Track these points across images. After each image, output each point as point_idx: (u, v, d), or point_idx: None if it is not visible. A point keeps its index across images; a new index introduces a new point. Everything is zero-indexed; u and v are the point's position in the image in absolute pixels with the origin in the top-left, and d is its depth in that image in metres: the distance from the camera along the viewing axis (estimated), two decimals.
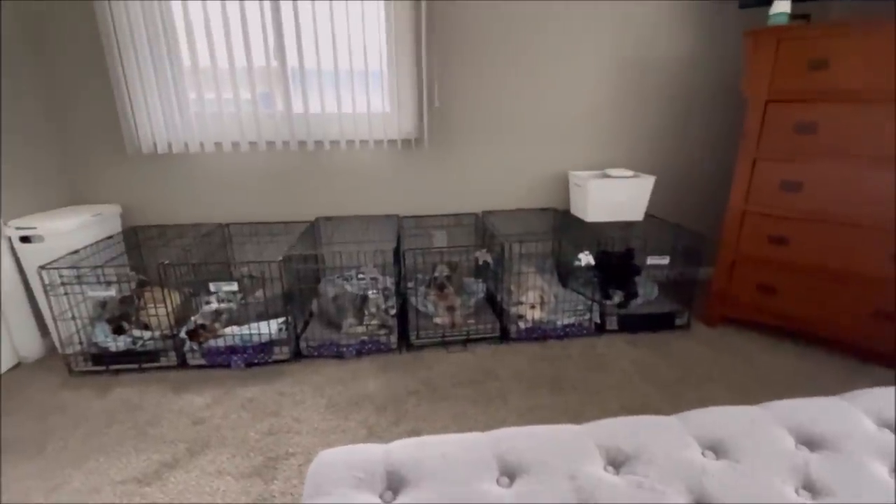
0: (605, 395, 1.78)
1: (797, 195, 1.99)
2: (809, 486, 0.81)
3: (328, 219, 2.54)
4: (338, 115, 2.32)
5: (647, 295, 2.39)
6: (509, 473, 0.82)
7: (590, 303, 2.23)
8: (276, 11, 2.15)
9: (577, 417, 1.65)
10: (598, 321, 2.22)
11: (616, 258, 2.25)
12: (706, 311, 2.33)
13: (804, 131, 1.93)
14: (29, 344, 2.06)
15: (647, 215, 2.42)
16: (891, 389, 1.05)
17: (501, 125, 2.53)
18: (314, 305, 2.28)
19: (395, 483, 0.80)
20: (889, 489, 0.79)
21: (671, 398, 1.76)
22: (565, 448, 0.85)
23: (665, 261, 2.18)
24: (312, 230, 2.47)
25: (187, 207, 2.45)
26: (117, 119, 2.17)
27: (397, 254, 2.19)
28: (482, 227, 2.57)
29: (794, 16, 1.96)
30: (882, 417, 0.96)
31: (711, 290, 2.28)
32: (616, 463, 0.84)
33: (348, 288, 2.22)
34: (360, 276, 2.28)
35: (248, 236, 2.49)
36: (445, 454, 0.84)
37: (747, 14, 2.24)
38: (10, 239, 1.95)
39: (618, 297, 2.28)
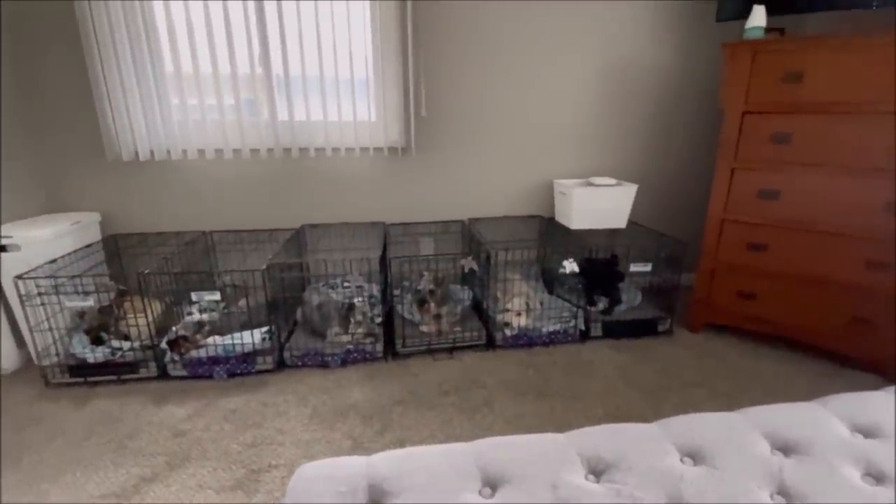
0: (589, 402, 1.80)
1: (775, 204, 2.04)
2: (784, 491, 0.82)
3: (313, 226, 2.53)
4: (323, 123, 2.32)
5: (630, 301, 2.42)
6: (491, 484, 0.82)
7: (575, 309, 2.25)
8: (261, 18, 2.14)
9: (562, 424, 1.67)
10: (583, 328, 2.24)
11: (600, 265, 2.28)
12: (688, 318, 2.36)
13: (780, 141, 1.99)
14: (4, 355, 2.01)
15: (631, 223, 2.46)
16: (863, 394, 1.08)
17: (487, 133, 2.56)
18: (299, 314, 2.27)
19: (376, 496, 0.80)
20: (861, 493, 0.81)
21: (654, 403, 1.78)
22: (547, 457, 0.86)
23: (647, 268, 2.21)
24: (298, 238, 2.45)
25: (169, 215, 2.41)
26: (97, 125, 2.14)
27: (383, 261, 2.18)
28: (469, 235, 2.58)
29: (769, 29, 2.02)
30: (854, 422, 0.99)
31: (693, 296, 2.32)
32: (596, 471, 0.85)
33: (334, 296, 2.20)
34: (346, 283, 2.27)
35: (233, 244, 2.46)
36: (427, 466, 0.84)
37: (727, 26, 2.30)
38: None
39: (602, 304, 2.31)
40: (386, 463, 0.86)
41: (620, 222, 2.42)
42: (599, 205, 2.36)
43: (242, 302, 2.13)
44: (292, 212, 2.50)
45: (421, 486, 0.80)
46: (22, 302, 1.80)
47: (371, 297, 2.22)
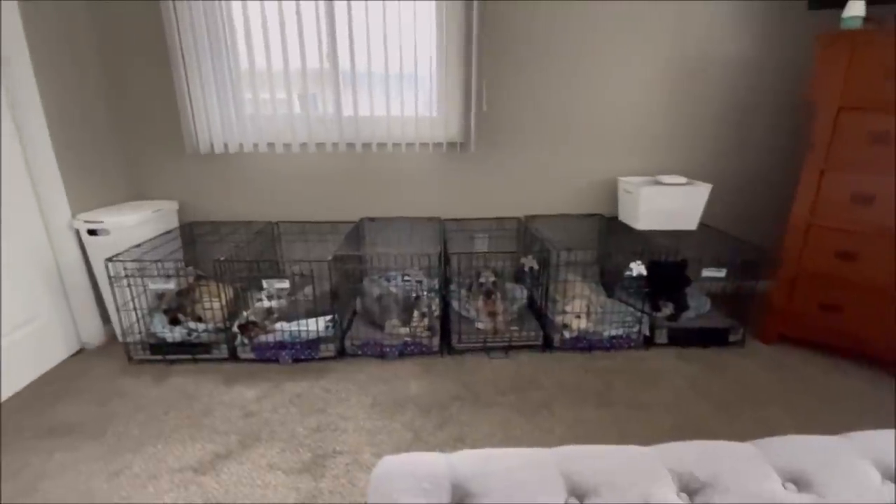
0: (656, 412, 1.72)
1: (869, 209, 1.87)
2: None
3: (372, 219, 2.57)
4: (386, 118, 2.34)
5: (698, 308, 2.30)
6: (578, 493, 0.79)
7: (639, 314, 2.17)
8: (331, 15, 2.18)
9: (629, 433, 1.61)
10: (648, 334, 2.15)
11: (667, 268, 2.17)
12: (762, 328, 2.21)
13: (878, 141, 1.82)
14: (91, 331, 2.18)
15: (701, 225, 2.33)
16: None
17: (549, 129, 2.50)
18: (358, 304, 2.31)
19: (460, 496, 0.79)
20: None
21: (728, 419, 1.69)
22: (635, 470, 0.82)
23: (722, 273, 2.09)
24: (357, 230, 2.50)
25: (239, 205, 2.53)
26: (176, 119, 2.26)
27: (440, 256, 2.19)
28: (524, 232, 2.54)
29: (867, 19, 1.85)
30: None
31: (769, 305, 2.17)
32: (690, 490, 0.81)
33: (392, 289, 2.23)
34: (406, 277, 2.29)
35: (297, 234, 2.54)
36: (510, 469, 0.83)
37: (814, 16, 2.12)
38: (77, 231, 2.06)
39: (668, 310, 2.21)
40: (467, 463, 0.85)
41: (691, 224, 2.30)
42: (668, 205, 2.25)
43: (307, 290, 2.20)
44: (352, 205, 2.55)
45: (505, 489, 0.78)
46: (111, 282, 1.94)
47: (431, 291, 2.23)
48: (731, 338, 2.16)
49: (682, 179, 2.31)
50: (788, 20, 2.33)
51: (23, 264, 1.90)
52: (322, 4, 2.17)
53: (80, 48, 2.13)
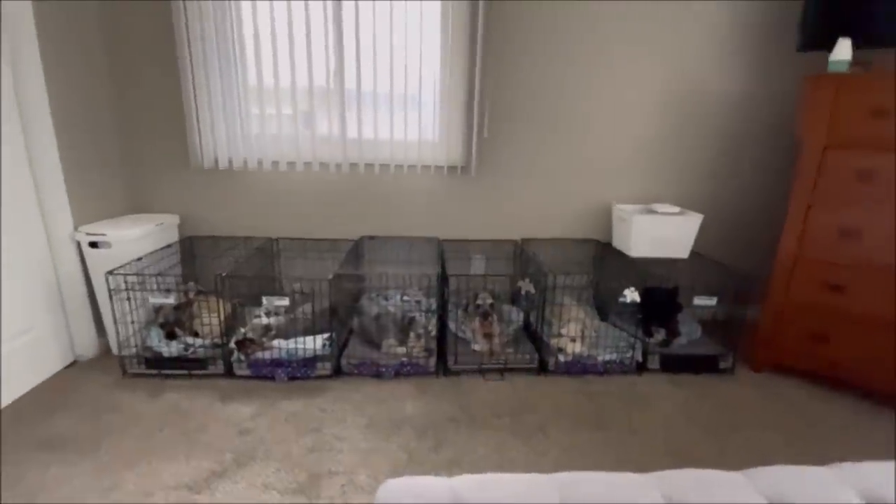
0: (649, 436, 1.75)
1: (855, 243, 1.94)
2: None
3: (371, 238, 2.61)
4: (390, 141, 2.40)
5: (689, 335, 2.34)
6: None
7: (632, 339, 2.20)
8: (339, 32, 2.24)
9: (622, 458, 1.63)
10: (640, 359, 2.18)
11: (659, 295, 2.22)
12: (752, 356, 2.26)
13: (864, 179, 1.90)
14: (86, 343, 2.17)
15: (693, 252, 2.39)
16: None
17: (547, 154, 2.56)
18: (355, 323, 2.33)
19: None
20: None
21: (718, 444, 1.71)
22: (632, 498, 0.85)
23: (712, 302, 2.14)
24: (356, 249, 2.53)
25: (239, 220, 2.55)
26: (181, 133, 2.30)
27: (439, 277, 2.22)
28: (520, 254, 2.59)
29: (854, 62, 1.95)
30: None
31: (759, 334, 2.22)
32: None
33: (390, 308, 2.25)
34: (405, 297, 2.32)
35: (296, 251, 2.57)
36: (512, 494, 0.85)
37: (803, 56, 2.22)
38: (78, 243, 2.07)
39: (660, 336, 2.25)
40: (467, 487, 0.87)
41: (682, 252, 2.36)
42: (661, 233, 2.31)
43: (305, 308, 2.21)
44: (353, 223, 2.59)
45: None
46: (111, 295, 1.94)
47: (429, 311, 2.26)
48: (721, 365, 2.20)
49: (675, 209, 2.38)
50: (780, 59, 2.43)
51: (22, 274, 1.90)
52: (331, 17, 2.22)
53: (89, 56, 2.16)
